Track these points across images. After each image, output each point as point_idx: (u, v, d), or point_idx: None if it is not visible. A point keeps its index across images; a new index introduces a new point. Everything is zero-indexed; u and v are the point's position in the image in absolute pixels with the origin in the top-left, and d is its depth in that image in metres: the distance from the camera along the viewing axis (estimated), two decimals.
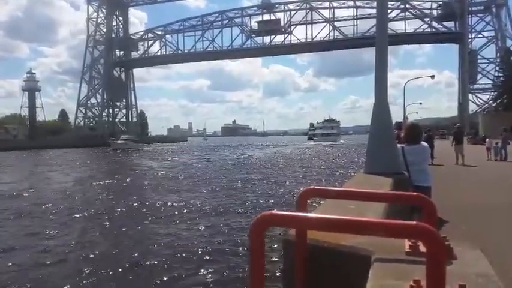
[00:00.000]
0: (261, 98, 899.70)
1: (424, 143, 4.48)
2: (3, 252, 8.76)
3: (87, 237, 9.94)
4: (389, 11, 50.30)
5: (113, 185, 19.96)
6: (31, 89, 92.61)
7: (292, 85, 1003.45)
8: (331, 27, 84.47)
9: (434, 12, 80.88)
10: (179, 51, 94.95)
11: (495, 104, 67.14)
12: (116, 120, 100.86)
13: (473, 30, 78.38)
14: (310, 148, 66.27)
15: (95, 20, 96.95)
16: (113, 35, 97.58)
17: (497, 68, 71.67)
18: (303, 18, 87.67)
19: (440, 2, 79.98)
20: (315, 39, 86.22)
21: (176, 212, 12.66)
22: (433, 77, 41.60)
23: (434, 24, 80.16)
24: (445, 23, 79.81)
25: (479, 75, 77.12)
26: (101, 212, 12.92)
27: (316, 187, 1.66)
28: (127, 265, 7.62)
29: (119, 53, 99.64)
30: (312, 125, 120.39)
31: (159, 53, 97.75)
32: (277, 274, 5.66)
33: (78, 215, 12.45)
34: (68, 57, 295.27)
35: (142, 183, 20.76)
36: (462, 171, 13.64)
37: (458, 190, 8.99)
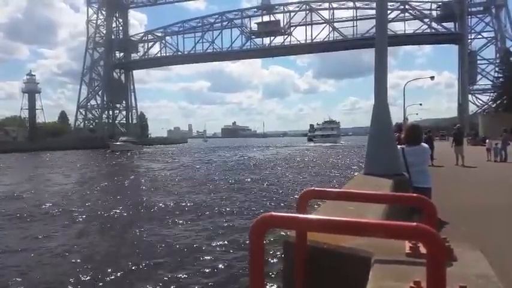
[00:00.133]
0: (261, 100, 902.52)
1: (424, 144, 4.48)
2: (4, 253, 8.76)
3: (87, 239, 9.93)
4: (388, 11, 50.48)
5: (113, 187, 19.96)
6: (31, 91, 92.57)
7: (292, 86, 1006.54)
8: (330, 28, 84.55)
9: (434, 13, 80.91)
10: (179, 53, 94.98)
11: (495, 104, 67.09)
12: (116, 122, 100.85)
13: (472, 31, 78.42)
14: (310, 149, 66.26)
15: (94, 21, 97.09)
16: (113, 37, 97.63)
17: (496, 69, 71.69)
18: (302, 19, 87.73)
19: (440, 3, 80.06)
20: (314, 40, 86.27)
21: (176, 213, 12.65)
22: (432, 78, 41.60)
23: (434, 25, 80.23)
24: (444, 24, 79.87)
25: (479, 76, 77.14)
26: (101, 214, 12.91)
27: (316, 188, 1.66)
28: (127, 266, 7.61)
29: (118, 54, 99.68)
30: (311, 126, 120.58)
31: (158, 55, 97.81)
32: (277, 276, 5.66)
33: (78, 217, 12.44)
34: (67, 59, 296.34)
35: (142, 185, 20.75)
36: (462, 172, 13.64)
37: (458, 191, 8.98)
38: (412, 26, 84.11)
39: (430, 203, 1.46)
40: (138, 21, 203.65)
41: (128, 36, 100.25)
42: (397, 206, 2.39)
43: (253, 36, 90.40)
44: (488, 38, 77.33)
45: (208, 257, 8.09)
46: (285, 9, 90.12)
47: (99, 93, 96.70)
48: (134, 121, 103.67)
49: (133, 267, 7.59)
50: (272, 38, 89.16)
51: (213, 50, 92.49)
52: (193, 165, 34.44)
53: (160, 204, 14.22)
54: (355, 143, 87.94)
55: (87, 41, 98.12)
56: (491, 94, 72.48)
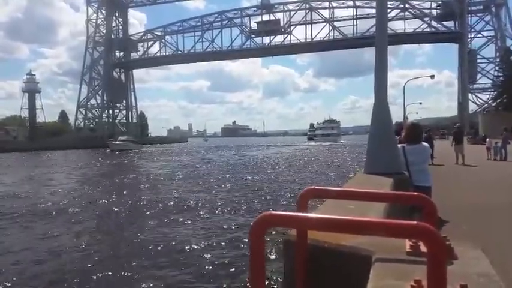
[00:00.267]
0: (261, 99, 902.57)
1: (424, 143, 4.48)
2: (4, 253, 8.77)
3: (87, 238, 9.92)
4: (388, 10, 50.44)
5: (112, 187, 19.95)
6: (31, 90, 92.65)
7: (292, 85, 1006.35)
8: (330, 27, 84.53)
9: (434, 11, 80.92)
10: (179, 52, 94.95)
11: (495, 103, 67.12)
12: (116, 121, 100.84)
13: (472, 30, 78.41)
14: (311, 148, 66.27)
15: (94, 21, 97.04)
16: (113, 36, 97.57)
17: (496, 68, 71.68)
18: (302, 18, 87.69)
19: (440, 2, 79.96)
20: (314, 40, 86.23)
21: (176, 213, 12.64)
22: (432, 76, 41.64)
23: (434, 23, 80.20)
24: (444, 23, 79.82)
25: (479, 75, 77.15)
26: (101, 213, 12.92)
27: (316, 187, 1.66)
28: (127, 265, 7.61)
29: (118, 54, 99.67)
30: (312, 125, 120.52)
31: (158, 54, 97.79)
32: (278, 275, 5.66)
33: (78, 216, 12.43)
34: (67, 58, 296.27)
35: (141, 184, 20.74)
36: (462, 171, 13.64)
37: (458, 190, 8.99)
38: (412, 25, 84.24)
39: (430, 202, 1.46)
40: (137, 20, 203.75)
41: (128, 36, 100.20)
42: (398, 205, 2.39)
43: (253, 36, 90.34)
44: (488, 37, 77.39)
45: (209, 256, 8.08)
46: (285, 8, 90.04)
47: (99, 92, 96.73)
48: (134, 120, 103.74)
49: (133, 266, 7.58)
50: (272, 37, 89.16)
51: (212, 49, 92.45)
52: (194, 165, 34.44)
53: (160, 204, 14.22)
54: (356, 142, 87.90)
55: (87, 41, 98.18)
56: (491, 93, 72.48)
